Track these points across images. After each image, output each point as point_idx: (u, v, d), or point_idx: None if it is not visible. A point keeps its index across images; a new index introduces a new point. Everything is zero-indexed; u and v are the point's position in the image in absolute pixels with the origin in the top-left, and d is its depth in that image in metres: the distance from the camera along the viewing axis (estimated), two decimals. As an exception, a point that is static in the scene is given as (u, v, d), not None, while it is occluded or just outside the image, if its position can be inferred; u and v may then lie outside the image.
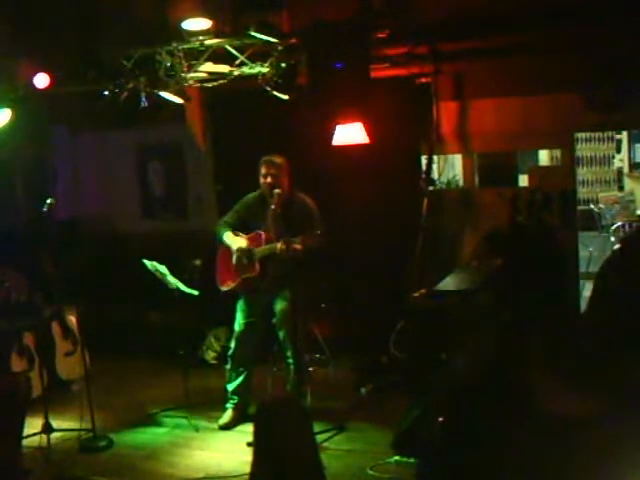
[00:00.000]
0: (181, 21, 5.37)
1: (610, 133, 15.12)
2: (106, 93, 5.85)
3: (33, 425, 5.37)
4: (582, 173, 15.05)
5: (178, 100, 6.06)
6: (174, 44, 5.66)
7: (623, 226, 12.28)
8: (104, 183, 8.67)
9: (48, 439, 5.36)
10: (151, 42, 5.73)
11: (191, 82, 6.08)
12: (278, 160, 5.68)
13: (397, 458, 4.79)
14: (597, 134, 15.28)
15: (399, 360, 6.15)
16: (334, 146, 5.77)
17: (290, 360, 5.71)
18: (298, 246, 5.37)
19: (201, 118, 7.81)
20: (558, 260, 6.03)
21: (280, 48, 5.48)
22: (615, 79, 6.24)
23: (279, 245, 5.38)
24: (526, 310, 4.92)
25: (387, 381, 6.25)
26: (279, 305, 5.74)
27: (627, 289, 2.23)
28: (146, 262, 6.08)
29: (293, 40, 5.50)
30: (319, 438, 4.88)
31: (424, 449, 2.45)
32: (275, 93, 5.57)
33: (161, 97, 5.95)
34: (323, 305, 6.66)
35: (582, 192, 14.16)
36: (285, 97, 5.57)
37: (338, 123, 5.60)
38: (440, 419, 2.27)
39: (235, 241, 5.70)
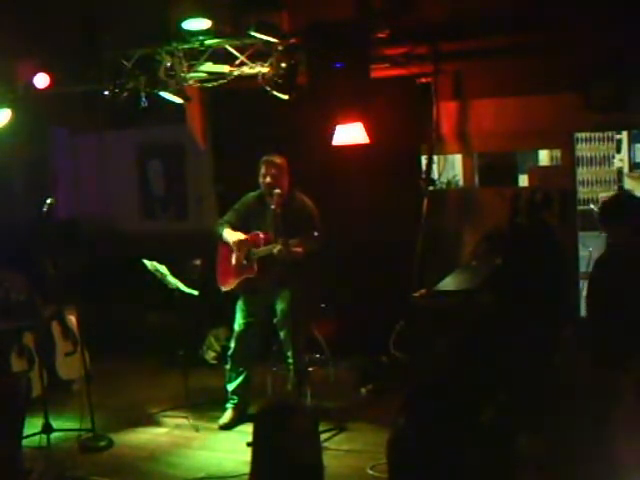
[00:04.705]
0: (181, 21, 5.37)
1: (610, 133, 15.12)
2: (106, 93, 5.85)
3: (33, 425, 5.36)
4: (582, 173, 15.04)
5: (178, 100, 6.06)
6: (174, 44, 5.66)
7: (623, 226, 12.25)
8: (104, 183, 8.66)
9: (48, 439, 5.35)
10: (151, 42, 5.73)
11: (191, 82, 6.08)
12: (278, 160, 5.69)
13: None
14: (597, 134, 15.28)
15: (399, 360, 6.15)
16: (334, 146, 5.76)
17: (290, 360, 5.72)
18: (299, 249, 5.37)
19: (201, 118, 7.80)
20: (558, 260, 6.03)
21: (280, 48, 5.47)
22: (615, 79, 6.24)
23: (277, 247, 5.39)
24: (526, 309, 4.92)
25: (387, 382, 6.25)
26: (280, 305, 5.75)
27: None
28: (146, 262, 6.08)
29: (293, 40, 5.49)
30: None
31: (391, 451, 2.45)
32: (275, 93, 5.57)
33: (161, 97, 5.95)
34: (323, 305, 6.66)
35: (582, 192, 14.16)
36: (285, 97, 5.57)
37: (338, 123, 5.60)
38: (401, 420, 2.28)
39: (233, 235, 5.71)
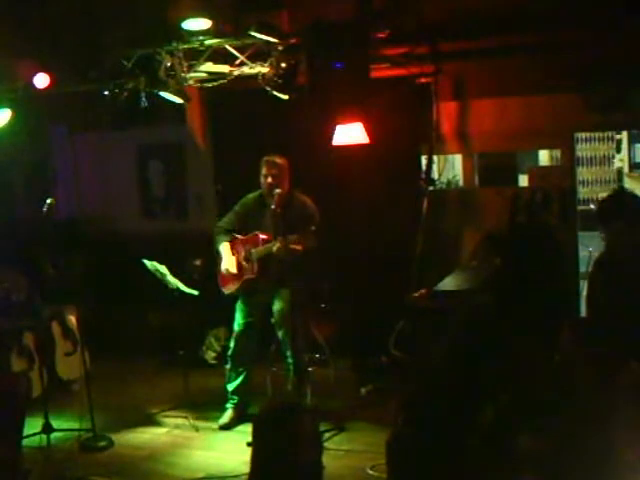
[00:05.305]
0: (181, 21, 5.37)
1: (610, 133, 15.13)
2: (106, 93, 5.85)
3: (33, 425, 5.36)
4: (582, 173, 15.05)
5: (178, 100, 6.06)
6: (174, 44, 5.66)
7: (623, 226, 12.24)
8: (104, 183, 8.66)
9: (48, 439, 5.36)
10: (151, 42, 5.73)
11: (191, 82, 6.09)
12: (279, 160, 5.69)
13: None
14: (597, 134, 15.29)
15: (399, 360, 6.14)
16: (334, 146, 5.76)
17: (289, 360, 5.72)
18: (298, 247, 5.38)
19: (201, 118, 7.81)
20: (558, 260, 6.03)
21: (280, 48, 5.48)
22: (615, 79, 6.23)
23: (277, 245, 5.39)
24: (526, 309, 4.92)
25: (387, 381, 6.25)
26: (277, 305, 5.75)
27: None
28: (146, 262, 6.09)
29: (293, 40, 5.50)
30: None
31: (391, 451, 2.45)
32: (275, 93, 5.57)
33: (161, 97, 5.95)
34: (323, 305, 6.66)
35: (582, 192, 14.16)
36: (285, 97, 5.57)
37: (338, 123, 5.60)
38: (400, 420, 2.28)
39: (225, 259, 5.74)
